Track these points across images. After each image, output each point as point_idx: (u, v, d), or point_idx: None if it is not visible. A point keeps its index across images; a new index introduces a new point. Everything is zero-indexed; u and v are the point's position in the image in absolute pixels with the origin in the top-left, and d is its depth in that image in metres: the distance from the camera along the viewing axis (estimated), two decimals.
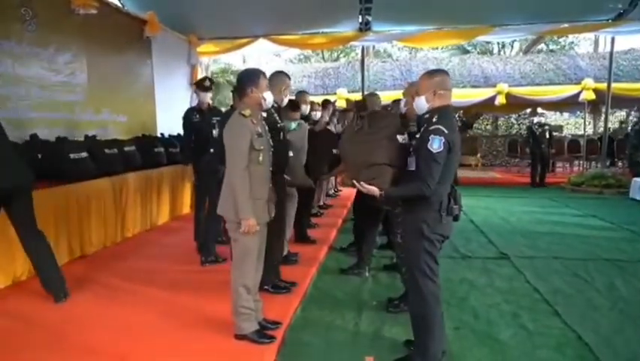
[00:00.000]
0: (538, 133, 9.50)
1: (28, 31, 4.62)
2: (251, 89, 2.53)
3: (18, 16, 4.50)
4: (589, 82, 10.82)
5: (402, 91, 8.77)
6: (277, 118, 3.23)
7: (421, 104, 2.32)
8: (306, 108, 4.82)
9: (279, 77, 3.30)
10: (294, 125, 3.97)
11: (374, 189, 2.38)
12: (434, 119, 2.22)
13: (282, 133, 3.26)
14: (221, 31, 8.40)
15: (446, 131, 2.16)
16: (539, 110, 10.12)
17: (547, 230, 5.60)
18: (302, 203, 4.36)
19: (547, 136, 9.59)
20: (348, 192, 8.03)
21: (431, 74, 2.35)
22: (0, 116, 4.28)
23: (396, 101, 4.63)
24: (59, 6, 4.99)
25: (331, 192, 7.31)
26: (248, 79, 2.55)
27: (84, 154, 4.41)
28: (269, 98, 2.62)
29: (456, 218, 2.33)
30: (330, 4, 7.42)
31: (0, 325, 2.83)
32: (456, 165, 2.34)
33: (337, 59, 22.46)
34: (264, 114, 2.93)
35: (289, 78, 3.36)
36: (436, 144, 2.15)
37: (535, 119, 9.86)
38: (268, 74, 3.07)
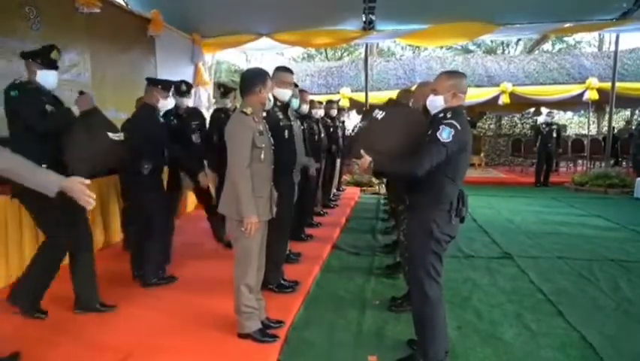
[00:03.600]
0: (545, 132, 9.47)
1: (33, 29, 4.63)
2: (259, 89, 2.51)
3: (22, 15, 4.51)
4: (593, 81, 10.76)
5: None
6: (279, 116, 3.20)
7: (438, 103, 2.29)
8: (305, 107, 4.81)
9: (283, 73, 3.28)
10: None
11: (366, 158, 2.31)
12: (448, 115, 2.21)
13: (286, 131, 3.24)
14: (225, 29, 8.38)
15: (459, 127, 2.14)
16: (543, 109, 10.03)
17: (551, 230, 5.57)
18: (302, 202, 4.34)
19: (555, 135, 9.55)
20: (352, 192, 8.04)
21: (451, 75, 2.34)
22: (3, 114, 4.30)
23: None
24: (63, 5, 4.99)
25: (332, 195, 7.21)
26: (257, 78, 2.52)
27: None
28: (272, 99, 2.62)
29: (462, 220, 2.32)
30: (333, 2, 7.40)
31: (5, 321, 2.83)
32: (467, 165, 2.33)
33: (341, 57, 22.48)
34: (264, 113, 2.93)
35: (292, 73, 3.34)
36: (445, 134, 2.12)
37: (543, 119, 9.75)
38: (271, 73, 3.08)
